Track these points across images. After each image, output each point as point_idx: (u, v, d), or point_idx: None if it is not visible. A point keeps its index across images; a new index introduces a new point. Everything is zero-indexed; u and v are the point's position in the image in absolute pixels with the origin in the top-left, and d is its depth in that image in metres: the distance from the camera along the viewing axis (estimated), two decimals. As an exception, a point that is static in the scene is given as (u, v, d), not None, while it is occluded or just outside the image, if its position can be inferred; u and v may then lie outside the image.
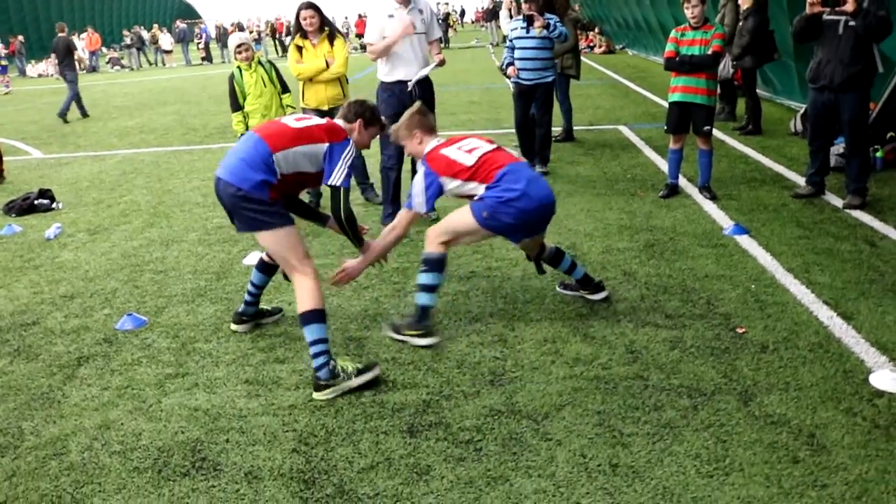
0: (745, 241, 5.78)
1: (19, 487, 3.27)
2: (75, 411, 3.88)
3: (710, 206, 6.74)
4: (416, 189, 4.44)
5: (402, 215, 4.54)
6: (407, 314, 4.57)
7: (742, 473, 3.04)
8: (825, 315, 4.42)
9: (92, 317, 5.10)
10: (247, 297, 4.67)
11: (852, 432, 3.27)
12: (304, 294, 3.93)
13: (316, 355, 3.88)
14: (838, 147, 7.38)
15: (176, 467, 3.34)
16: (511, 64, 8.15)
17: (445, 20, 38.47)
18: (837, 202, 6.58)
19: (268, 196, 3.90)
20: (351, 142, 4.15)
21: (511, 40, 8.14)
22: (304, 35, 6.97)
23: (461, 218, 4.37)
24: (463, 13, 48.45)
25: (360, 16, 39.66)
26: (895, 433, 3.24)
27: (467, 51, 31.92)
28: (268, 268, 4.61)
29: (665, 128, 7.19)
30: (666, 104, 7.25)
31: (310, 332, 3.91)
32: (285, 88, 7.09)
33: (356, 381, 3.87)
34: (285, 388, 3.99)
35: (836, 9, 6.18)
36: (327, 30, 7.01)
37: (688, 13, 6.75)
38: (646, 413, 3.53)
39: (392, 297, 5.13)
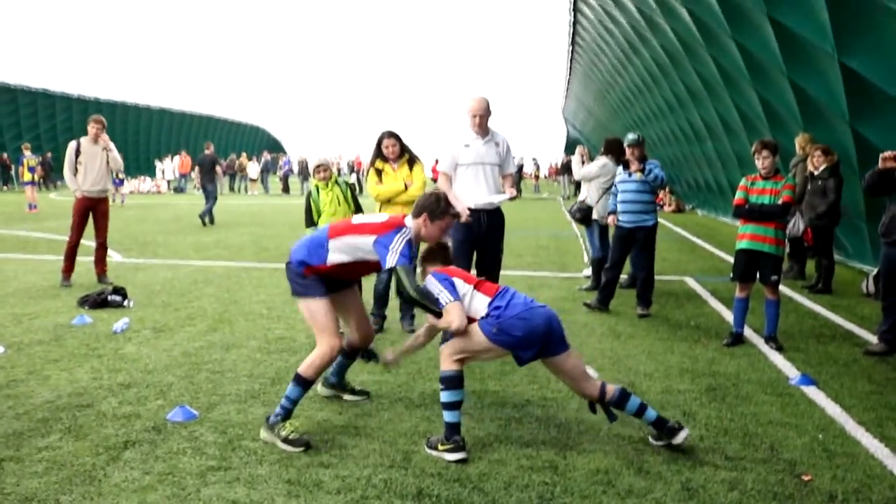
0: (812, 392, 5.55)
1: (48, 560, 3.20)
2: (114, 491, 3.85)
3: (775, 357, 6.54)
4: (434, 290, 4.51)
5: (448, 310, 4.47)
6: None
7: None
8: (899, 470, 4.15)
9: (145, 405, 5.14)
10: (333, 366, 5.13)
11: (929, 592, 2.99)
12: (309, 362, 4.62)
13: (282, 407, 4.57)
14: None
15: (206, 557, 3.24)
16: (613, 212, 8.56)
17: (518, 172, 39.53)
18: (913, 363, 6.32)
19: (301, 272, 4.64)
20: (404, 229, 4.53)
21: (616, 184, 8.55)
22: (385, 159, 7.26)
23: (472, 336, 4.42)
24: (538, 167, 49.72)
25: (436, 161, 41.10)
26: None
27: (538, 202, 32.59)
28: (350, 353, 5.17)
29: (731, 276, 7.11)
30: (733, 259, 7.21)
31: (291, 391, 4.62)
32: (358, 209, 7.31)
33: (279, 443, 4.44)
34: (326, 491, 3.89)
35: (911, 165, 6.17)
36: (407, 155, 7.29)
37: (758, 164, 6.82)
38: (701, 551, 3.31)
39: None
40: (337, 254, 4.61)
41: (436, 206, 4.64)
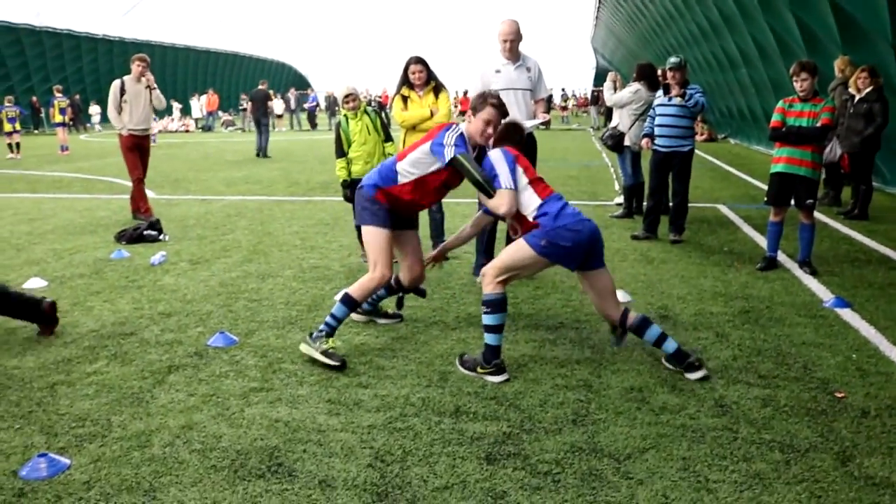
0: (846, 314, 5.54)
1: (102, 471, 3.35)
2: (161, 411, 3.98)
3: (809, 280, 6.51)
4: (497, 167, 4.49)
5: (501, 194, 4.45)
6: (479, 353, 4.56)
7: (837, 528, 2.85)
8: (934, 387, 4.17)
9: (186, 333, 5.28)
10: (368, 301, 5.23)
11: (962, 500, 3.03)
12: (359, 284, 4.80)
13: (326, 324, 4.70)
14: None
15: (252, 469, 3.37)
16: (648, 135, 8.47)
17: (549, 102, 38.99)
18: (950, 285, 6.26)
19: (373, 195, 4.72)
20: (453, 127, 4.59)
21: (654, 108, 8.43)
22: (411, 87, 7.20)
23: (517, 251, 4.41)
24: (566, 98, 49.06)
25: (464, 93, 40.59)
26: None
27: (568, 133, 32.22)
28: (393, 289, 5.21)
29: (765, 199, 7.04)
30: (766, 187, 7.12)
31: (337, 310, 4.75)
32: (388, 137, 7.29)
33: (318, 355, 4.59)
34: (366, 409, 4.00)
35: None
36: (433, 83, 7.23)
37: (797, 86, 6.67)
38: (734, 463, 3.37)
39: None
40: (406, 174, 4.69)
41: (477, 100, 4.69)
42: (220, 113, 42.49)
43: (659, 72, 9.50)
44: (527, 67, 6.55)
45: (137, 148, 9.86)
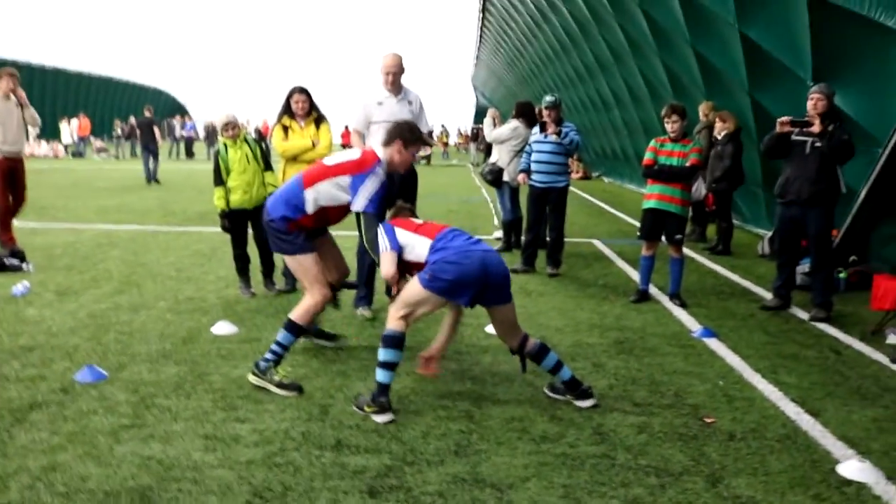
0: (713, 344, 5.83)
1: (-47, 519, 3.09)
2: (21, 452, 3.72)
3: (679, 312, 6.82)
4: (379, 240, 4.54)
5: (383, 257, 4.50)
6: (369, 391, 4.49)
7: (708, 548, 2.97)
8: (792, 410, 4.43)
9: (50, 368, 4.97)
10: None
11: (820, 516, 3.22)
12: (301, 308, 4.77)
13: (271, 352, 4.69)
14: (804, 266, 7.57)
15: (122, 511, 3.19)
16: (524, 171, 8.67)
17: (429, 135, 39.44)
18: (803, 315, 6.70)
19: (286, 228, 4.68)
20: (377, 169, 4.62)
21: (530, 144, 8.62)
22: (292, 116, 7.13)
23: (410, 288, 4.38)
24: (447, 133, 49.92)
25: (346, 127, 40.57)
26: (862, 519, 3.20)
27: (448, 168, 32.68)
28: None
29: (638, 234, 7.35)
30: (638, 223, 7.45)
31: (282, 336, 4.73)
32: (268, 166, 7.19)
33: (273, 388, 4.58)
34: (244, 444, 3.87)
35: (804, 129, 6.51)
36: (315, 114, 7.19)
37: (668, 127, 7.04)
38: (613, 489, 3.46)
39: (359, 371, 5.06)
40: (316, 202, 4.66)
41: (409, 133, 4.72)
42: (93, 138, 40.71)
43: (536, 110, 9.80)
44: (409, 101, 6.61)
45: (10, 171, 9.07)
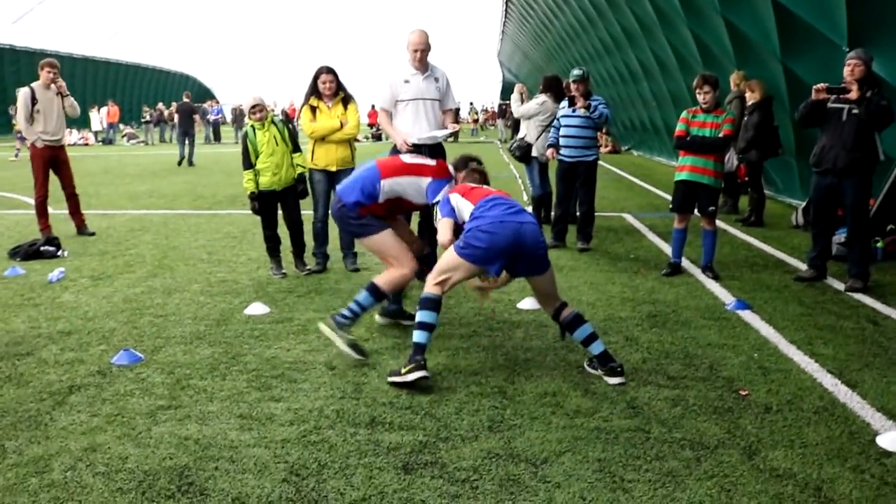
0: (747, 316, 5.76)
1: (-2, 500, 3.16)
2: (62, 434, 3.79)
3: (712, 285, 6.74)
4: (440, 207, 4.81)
5: (440, 224, 4.74)
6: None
7: (746, 521, 2.95)
8: (829, 382, 4.37)
9: (87, 351, 5.05)
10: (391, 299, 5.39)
11: (860, 488, 3.18)
12: (386, 275, 4.91)
13: (350, 310, 4.82)
14: (840, 236, 7.44)
15: (161, 490, 3.24)
16: (553, 146, 8.58)
17: (455, 115, 39.31)
18: (839, 286, 6.59)
19: (358, 213, 4.85)
20: (452, 181, 4.98)
21: (558, 119, 8.55)
22: (319, 97, 7.13)
23: (446, 255, 4.52)
24: (476, 111, 49.83)
25: (372, 106, 40.54)
26: (903, 490, 3.16)
27: (476, 145, 32.54)
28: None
29: (670, 206, 7.27)
30: (669, 197, 7.36)
31: (364, 298, 4.85)
32: (296, 148, 7.20)
33: (342, 344, 4.74)
34: (279, 423, 3.91)
35: (841, 97, 6.36)
36: (342, 94, 7.18)
37: (700, 98, 6.92)
38: (647, 462, 3.44)
39: (391, 350, 5.07)
40: (389, 192, 4.90)
41: (460, 163, 5.15)
42: (122, 125, 41.10)
43: (564, 84, 9.70)
44: (435, 78, 6.56)
45: (52, 160, 9.25)
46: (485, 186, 4.89)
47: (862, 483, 3.22)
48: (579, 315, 4.57)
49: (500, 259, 4.37)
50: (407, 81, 6.47)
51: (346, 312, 4.86)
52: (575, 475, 3.33)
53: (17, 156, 24.87)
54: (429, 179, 4.94)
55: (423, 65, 6.44)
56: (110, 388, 4.41)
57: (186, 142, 21.76)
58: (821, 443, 3.61)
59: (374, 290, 4.89)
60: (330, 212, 5.08)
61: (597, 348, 4.49)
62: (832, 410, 3.99)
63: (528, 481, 3.28)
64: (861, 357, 4.82)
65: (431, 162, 5.12)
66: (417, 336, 4.42)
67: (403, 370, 4.35)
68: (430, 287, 4.48)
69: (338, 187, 5.04)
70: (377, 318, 5.60)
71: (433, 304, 4.44)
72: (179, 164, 21.33)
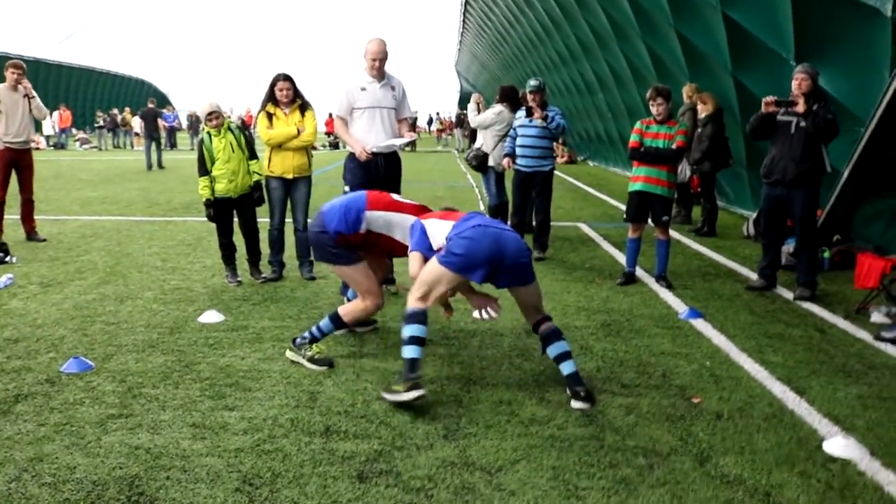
0: (699, 324, 5.85)
1: (-60, 513, 3.07)
2: (6, 444, 3.70)
3: (666, 294, 6.84)
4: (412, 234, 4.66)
5: (410, 258, 4.61)
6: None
7: (696, 526, 2.99)
8: (779, 389, 4.47)
9: (36, 359, 4.93)
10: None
11: (807, 492, 3.26)
12: (351, 307, 4.95)
13: (310, 332, 4.92)
14: (789, 246, 7.61)
15: (110, 500, 3.18)
16: (509, 155, 8.59)
17: (413, 125, 39.41)
18: (788, 295, 6.74)
19: (334, 241, 4.74)
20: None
21: (514, 129, 8.57)
22: (276, 104, 7.09)
23: (427, 267, 4.40)
24: (430, 121, 50.11)
25: (329, 115, 40.38)
26: (849, 494, 3.24)
27: (432, 155, 32.62)
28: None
29: (625, 216, 7.37)
30: (624, 206, 7.46)
31: (325, 324, 4.93)
32: (253, 155, 7.13)
33: (305, 363, 4.84)
34: (233, 432, 3.86)
35: (789, 109, 6.52)
36: (299, 101, 7.15)
37: (653, 110, 7.04)
38: (601, 470, 3.48)
39: (347, 358, 5.05)
40: (372, 225, 4.76)
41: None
42: (74, 130, 40.32)
43: (520, 94, 9.77)
44: (392, 86, 6.57)
45: (14, 164, 9.01)
46: (454, 211, 4.80)
47: (808, 488, 3.30)
48: (557, 331, 4.45)
49: (482, 267, 4.23)
50: (363, 89, 6.47)
51: (305, 335, 4.92)
52: (530, 483, 3.35)
53: None
54: (413, 218, 4.74)
55: (380, 73, 6.45)
56: (59, 396, 4.31)
57: (153, 146, 22.40)
58: (770, 449, 3.68)
59: (335, 319, 4.92)
60: (308, 230, 5.03)
61: (567, 368, 4.34)
62: (781, 417, 4.07)
63: (483, 490, 3.29)
64: (809, 364, 4.93)
65: (414, 203, 5.01)
66: (410, 351, 4.23)
67: (400, 388, 4.14)
68: (413, 302, 4.33)
69: (322, 208, 4.89)
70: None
71: (417, 317, 4.28)
72: (149, 169, 21.86)
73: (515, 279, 4.37)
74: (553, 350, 4.40)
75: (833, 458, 3.58)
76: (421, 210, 4.90)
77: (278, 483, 3.34)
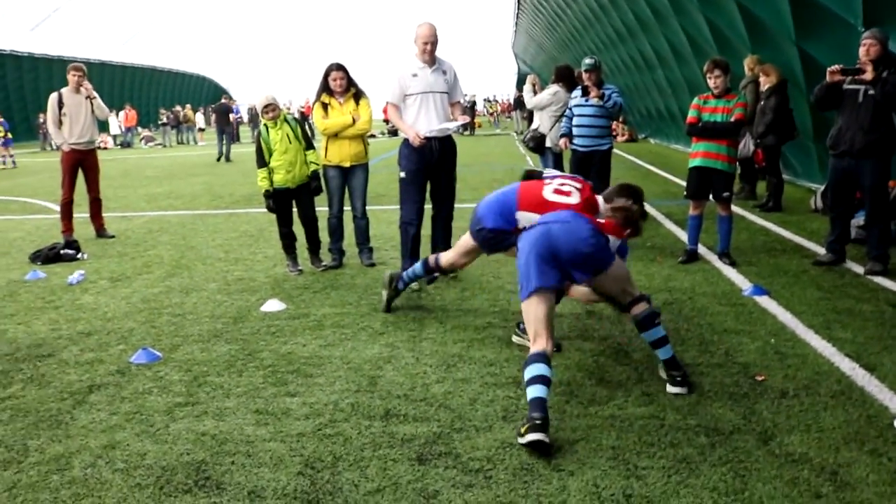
0: (764, 301, 5.71)
1: (18, 498, 3.22)
2: (82, 432, 3.84)
3: (729, 271, 6.70)
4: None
5: None
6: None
7: (761, 505, 2.93)
8: (847, 366, 4.33)
9: (107, 351, 5.11)
10: (414, 269, 5.57)
11: (878, 471, 3.16)
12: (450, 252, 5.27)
13: (408, 274, 5.53)
14: (858, 220, 7.36)
15: (178, 485, 3.28)
16: (566, 135, 8.55)
17: (472, 108, 39.32)
18: (858, 269, 6.52)
19: (501, 236, 4.67)
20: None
21: (571, 108, 8.51)
22: (331, 93, 7.15)
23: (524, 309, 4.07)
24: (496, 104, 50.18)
25: (387, 102, 40.64)
26: (921, 472, 3.13)
27: (492, 138, 32.50)
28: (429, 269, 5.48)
29: (685, 193, 7.23)
30: (685, 183, 7.30)
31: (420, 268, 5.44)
32: (310, 145, 7.22)
33: (384, 293, 5.67)
34: (295, 418, 3.94)
35: (856, 77, 6.28)
36: (353, 90, 7.20)
37: (711, 83, 6.87)
38: (661, 449, 3.43)
39: (407, 342, 5.09)
40: (524, 223, 4.43)
41: (630, 215, 4.31)
42: (139, 129, 41.41)
43: (576, 74, 9.65)
44: (443, 71, 6.57)
45: (80, 164, 9.32)
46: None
47: (879, 466, 3.20)
48: (650, 316, 4.16)
49: (547, 268, 3.95)
50: (415, 75, 6.48)
51: (403, 276, 5.56)
52: (588, 463, 3.33)
53: (4, 162, 25.09)
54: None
55: (431, 58, 6.45)
56: (129, 386, 4.46)
57: (224, 140, 23.82)
58: (837, 427, 3.58)
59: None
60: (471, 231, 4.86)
61: (663, 353, 4.15)
62: (849, 394, 3.95)
63: (542, 470, 3.29)
64: (880, 340, 4.77)
65: (575, 199, 4.38)
66: (535, 391, 3.63)
67: (522, 429, 3.53)
68: (535, 347, 3.86)
69: (478, 206, 4.81)
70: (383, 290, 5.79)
71: (542, 357, 3.76)
72: (218, 160, 23.40)
73: (584, 270, 4.06)
74: (647, 336, 4.19)
75: (905, 434, 3.47)
76: (583, 206, 4.35)
77: (339, 466, 3.39)
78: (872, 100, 6.20)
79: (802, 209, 9.87)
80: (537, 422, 3.45)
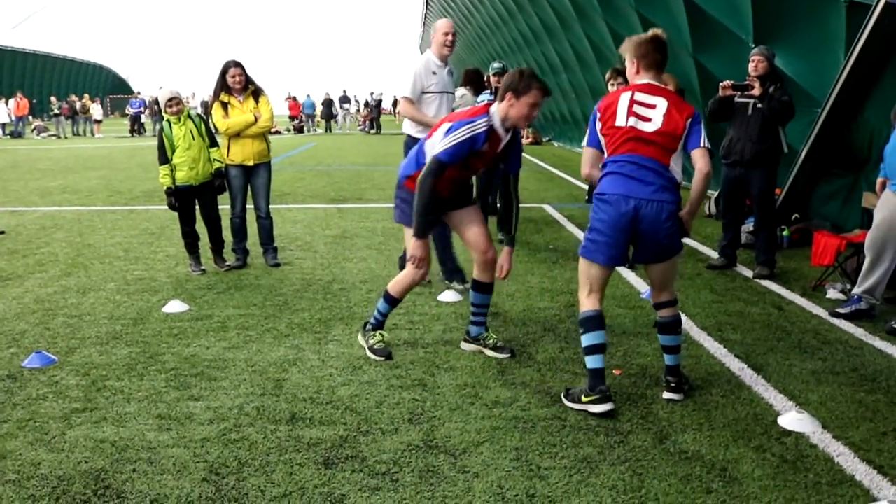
0: (661, 304, 5.94)
1: None
2: (-30, 441, 3.67)
3: (628, 274, 6.94)
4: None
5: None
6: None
7: (657, 502, 3.07)
8: (737, 367, 4.57)
9: (-4, 354, 4.89)
10: (472, 316, 4.95)
11: (762, 466, 3.35)
12: (398, 279, 4.83)
13: (375, 318, 4.91)
14: (748, 226, 7.75)
15: (76, 495, 3.18)
16: None
17: (378, 107, 39.23)
18: (748, 273, 6.88)
19: (404, 184, 4.60)
20: (480, 119, 4.20)
21: None
22: (229, 92, 7.04)
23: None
24: (395, 103, 49.89)
25: (294, 98, 40.10)
26: (801, 467, 3.35)
27: (399, 136, 32.50)
28: (483, 286, 4.87)
29: (587, 198, 7.44)
30: (587, 187, 7.53)
31: (381, 305, 4.88)
32: (213, 142, 7.08)
33: (367, 350, 4.83)
34: (198, 422, 3.87)
35: (745, 93, 6.64)
36: (252, 87, 7.12)
37: (612, 90, 7.12)
38: (563, 449, 3.54)
39: (312, 345, 5.07)
40: (428, 153, 4.34)
41: (518, 81, 4.15)
42: (31, 118, 39.54)
43: (484, 77, 9.78)
44: (450, 71, 6.57)
45: None
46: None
47: (763, 461, 3.40)
48: (674, 322, 4.17)
49: (614, 242, 3.96)
50: (434, 73, 6.37)
51: (372, 320, 4.93)
52: (493, 464, 3.41)
53: None
54: (449, 124, 4.31)
55: (451, 51, 6.37)
56: (21, 392, 4.28)
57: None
58: (727, 425, 3.78)
59: (387, 297, 4.86)
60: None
61: (669, 360, 4.16)
62: (738, 394, 4.18)
63: (448, 472, 3.34)
64: (766, 341, 5.05)
65: (475, 107, 4.42)
66: (590, 362, 3.94)
67: (584, 398, 3.90)
68: (589, 304, 4.01)
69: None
70: (463, 344, 4.99)
71: (601, 322, 3.98)
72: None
73: (644, 255, 4.17)
74: (665, 340, 4.19)
75: (787, 431, 3.69)
76: (468, 113, 4.37)
77: (245, 472, 3.36)
78: (761, 113, 6.56)
79: (697, 214, 10.28)
80: (607, 393, 3.87)
